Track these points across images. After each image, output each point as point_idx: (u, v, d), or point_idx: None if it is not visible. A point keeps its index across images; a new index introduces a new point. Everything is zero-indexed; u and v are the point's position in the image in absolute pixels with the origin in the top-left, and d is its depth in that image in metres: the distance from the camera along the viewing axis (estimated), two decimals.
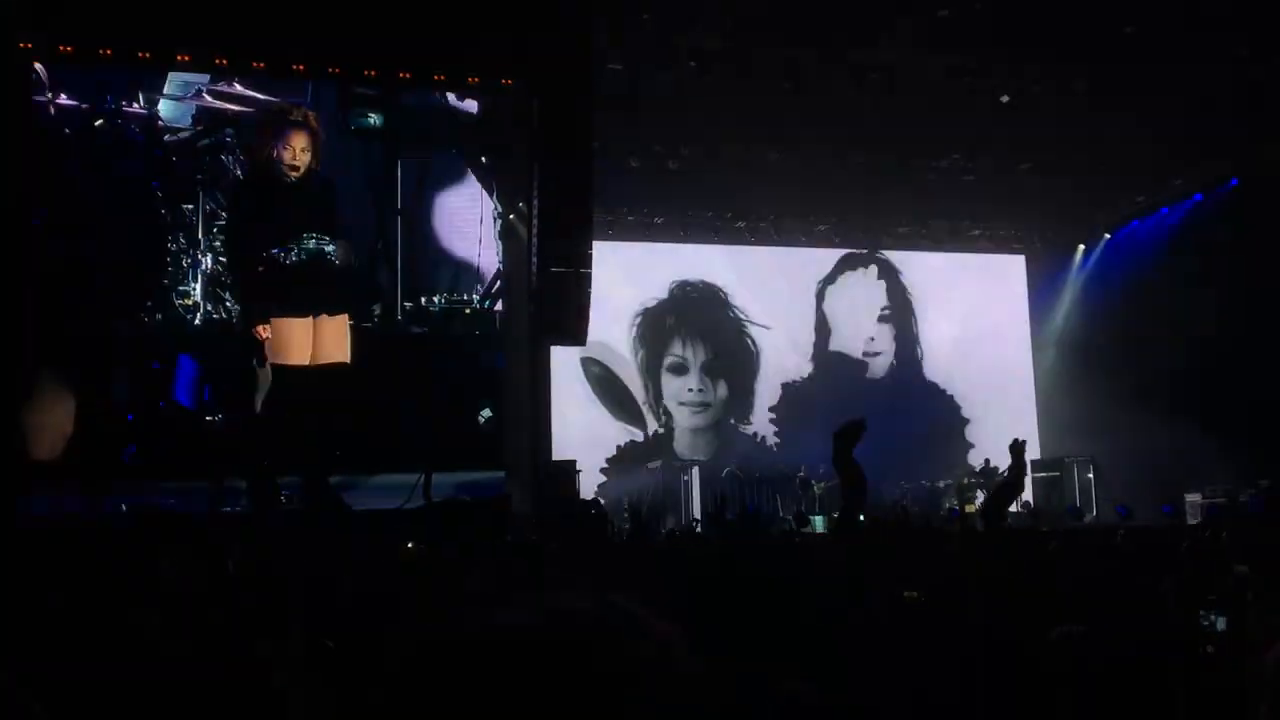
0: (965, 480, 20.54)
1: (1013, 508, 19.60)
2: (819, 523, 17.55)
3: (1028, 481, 20.78)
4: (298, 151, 15.34)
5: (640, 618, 1.30)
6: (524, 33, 15.53)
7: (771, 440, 22.78)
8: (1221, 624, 2.25)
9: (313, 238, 14.53)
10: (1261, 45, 16.24)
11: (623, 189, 19.62)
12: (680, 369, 22.71)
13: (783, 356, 23.22)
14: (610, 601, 1.29)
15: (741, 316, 23.10)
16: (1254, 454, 17.26)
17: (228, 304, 15.48)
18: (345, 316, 14.88)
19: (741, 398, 23.02)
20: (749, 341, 23.20)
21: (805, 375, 23.28)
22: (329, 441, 14.57)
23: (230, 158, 16.11)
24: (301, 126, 15.62)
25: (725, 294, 23.07)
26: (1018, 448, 5.66)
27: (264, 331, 14.41)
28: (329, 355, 14.81)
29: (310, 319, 14.55)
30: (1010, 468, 5.68)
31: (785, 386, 23.15)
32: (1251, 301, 17.68)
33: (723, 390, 22.90)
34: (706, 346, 22.93)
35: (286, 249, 14.71)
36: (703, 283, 22.96)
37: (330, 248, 14.95)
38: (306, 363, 14.43)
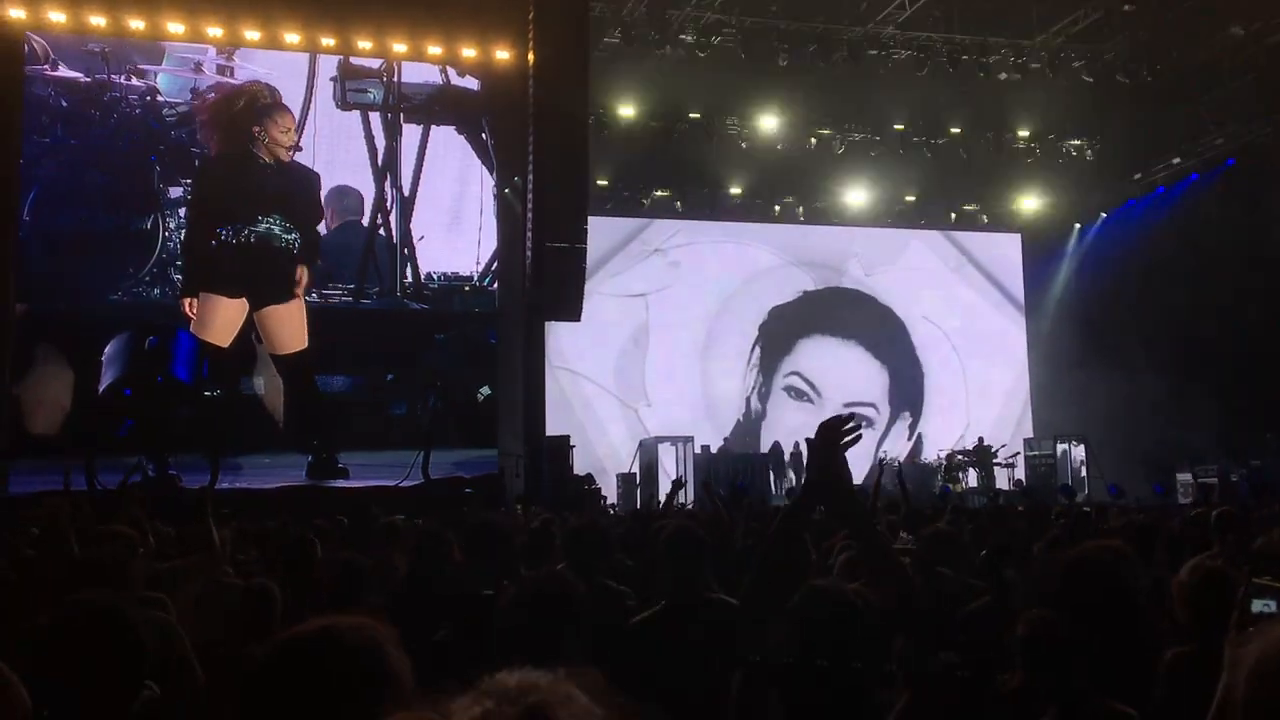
0: (956, 459, 20.55)
1: (1004, 485, 19.78)
2: None
3: (1020, 460, 20.89)
4: (280, 134, 15.43)
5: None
6: (520, 7, 15.52)
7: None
8: (1273, 607, 2.28)
9: (267, 221, 14.69)
10: (1258, 25, 16.24)
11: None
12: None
13: None
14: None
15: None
16: (1246, 434, 17.35)
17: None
18: (297, 303, 15.03)
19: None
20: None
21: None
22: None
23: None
24: (285, 109, 15.70)
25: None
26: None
27: (189, 307, 14.60)
28: (286, 345, 14.99)
29: (243, 301, 14.71)
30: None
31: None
32: (1246, 281, 17.71)
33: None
34: None
35: (237, 228, 14.88)
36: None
37: (290, 235, 15.11)
38: (226, 344, 14.67)
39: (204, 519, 4.82)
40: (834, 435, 2.80)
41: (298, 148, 15.51)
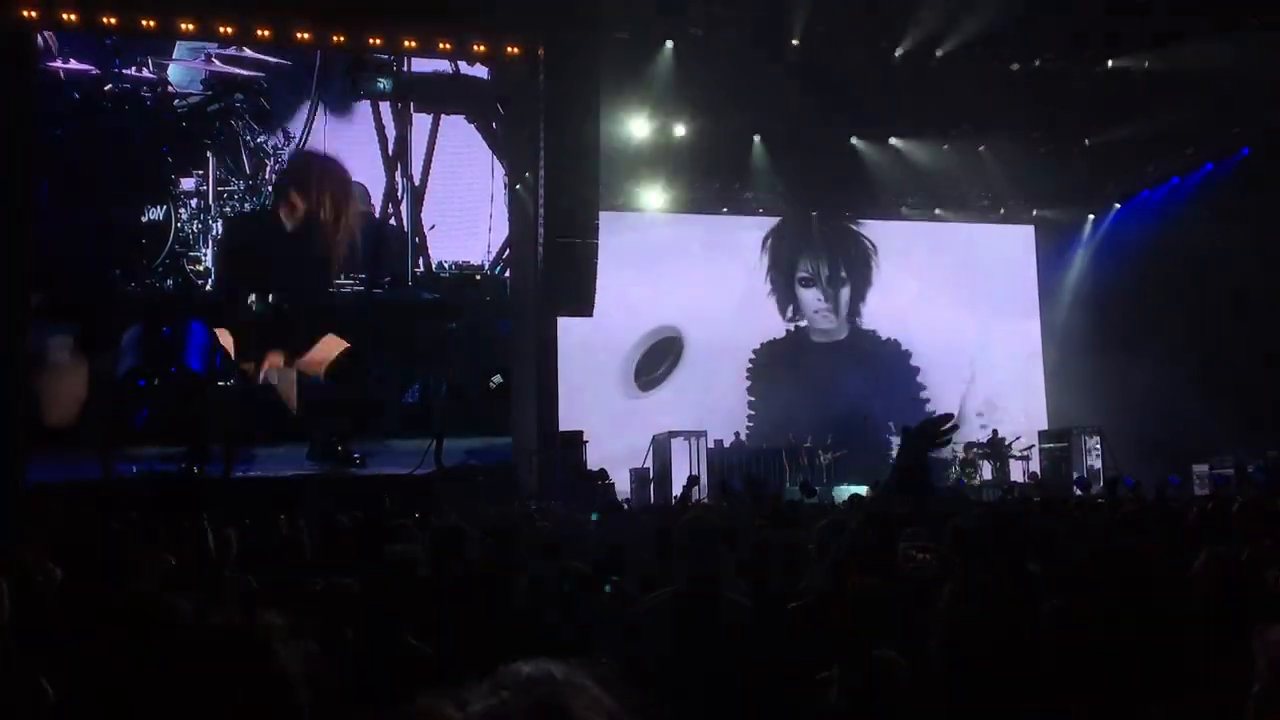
0: (971, 452, 20.52)
1: (1019, 479, 19.71)
2: (842, 493, 17.23)
3: (1035, 452, 20.82)
4: (320, 209, 15.76)
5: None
6: (532, 1, 15.48)
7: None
8: None
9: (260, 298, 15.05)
10: (1272, 15, 16.11)
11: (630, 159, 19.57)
12: None
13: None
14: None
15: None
16: (1262, 424, 17.26)
17: None
18: (333, 337, 15.50)
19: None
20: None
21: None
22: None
23: (240, 123, 16.16)
24: (354, 194, 16.18)
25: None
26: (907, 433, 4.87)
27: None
28: (328, 359, 15.44)
29: (281, 358, 15.29)
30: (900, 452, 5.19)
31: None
32: (1261, 271, 17.61)
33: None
34: None
35: (268, 298, 15.33)
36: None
37: (285, 306, 15.45)
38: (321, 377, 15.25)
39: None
40: (933, 430, 2.98)
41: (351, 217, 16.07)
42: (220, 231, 15.63)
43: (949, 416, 3.00)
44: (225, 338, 15.22)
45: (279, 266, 15.49)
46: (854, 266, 23.57)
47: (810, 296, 23.23)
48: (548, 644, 1.34)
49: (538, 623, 3.78)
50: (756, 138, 20.12)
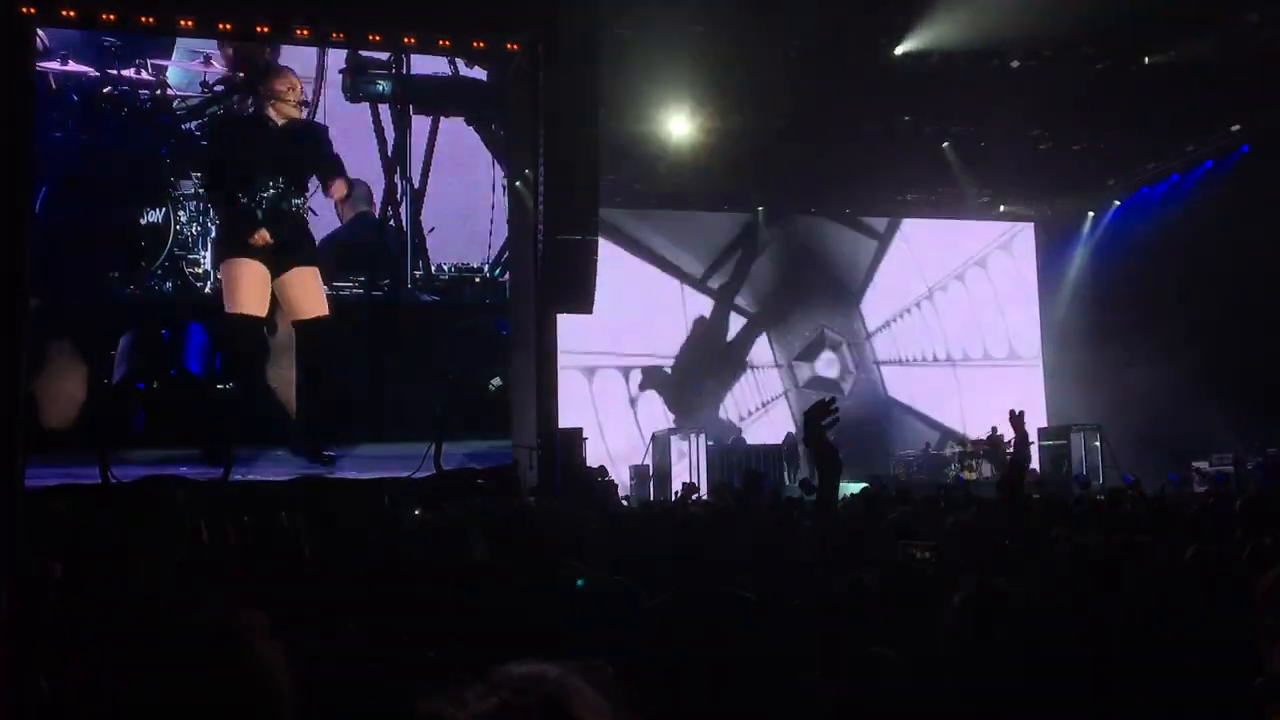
0: (968, 447, 20.55)
1: None
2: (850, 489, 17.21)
3: (1033, 450, 20.82)
4: (285, 89, 15.46)
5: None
6: (530, 3, 15.47)
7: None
8: None
9: (275, 187, 14.72)
10: (1276, 11, 16.10)
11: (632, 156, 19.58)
12: None
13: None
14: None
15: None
16: (1262, 422, 17.26)
17: None
18: (315, 269, 15.10)
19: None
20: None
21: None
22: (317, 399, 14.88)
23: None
24: (284, 67, 15.76)
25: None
26: (1017, 419, 5.39)
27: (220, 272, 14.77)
28: (307, 311, 15.07)
29: (264, 268, 14.77)
30: (1015, 441, 5.51)
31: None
32: (1261, 268, 17.62)
33: None
34: None
35: (251, 193, 14.95)
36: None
37: (298, 200, 15.18)
38: (263, 314, 14.75)
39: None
40: (819, 413, 3.47)
41: (305, 103, 15.57)
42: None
43: (832, 400, 3.53)
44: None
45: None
46: (851, 264, 23.62)
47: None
48: (545, 645, 1.33)
49: (535, 622, 3.77)
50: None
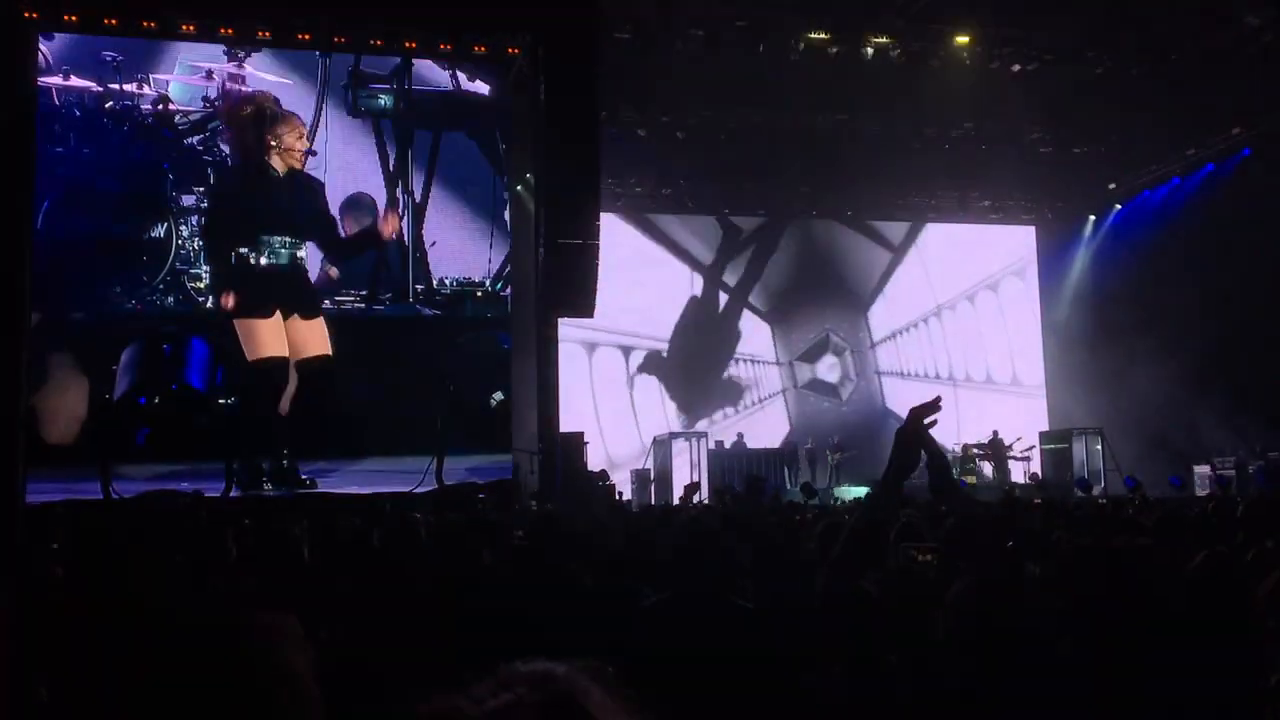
0: (970, 452, 20.50)
1: (1020, 479, 19.64)
2: (847, 494, 17.21)
3: (1035, 453, 20.79)
4: (294, 140, 15.49)
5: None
6: (531, 2, 15.51)
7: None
8: None
9: (285, 242, 14.83)
10: (1274, 15, 16.13)
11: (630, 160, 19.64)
12: None
13: None
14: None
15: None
16: (1264, 425, 17.23)
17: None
18: (319, 319, 15.28)
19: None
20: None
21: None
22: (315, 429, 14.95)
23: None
24: (293, 115, 15.77)
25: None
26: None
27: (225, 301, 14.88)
28: (311, 350, 15.21)
29: (277, 317, 14.98)
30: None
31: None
32: (1262, 272, 17.60)
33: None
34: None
35: (258, 250, 15.07)
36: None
37: (300, 253, 15.29)
38: (286, 354, 14.89)
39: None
40: (923, 414, 2.91)
41: (311, 152, 15.60)
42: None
43: (936, 399, 2.91)
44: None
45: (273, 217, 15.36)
46: (853, 267, 23.64)
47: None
48: (547, 644, 1.33)
49: (538, 622, 3.77)
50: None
